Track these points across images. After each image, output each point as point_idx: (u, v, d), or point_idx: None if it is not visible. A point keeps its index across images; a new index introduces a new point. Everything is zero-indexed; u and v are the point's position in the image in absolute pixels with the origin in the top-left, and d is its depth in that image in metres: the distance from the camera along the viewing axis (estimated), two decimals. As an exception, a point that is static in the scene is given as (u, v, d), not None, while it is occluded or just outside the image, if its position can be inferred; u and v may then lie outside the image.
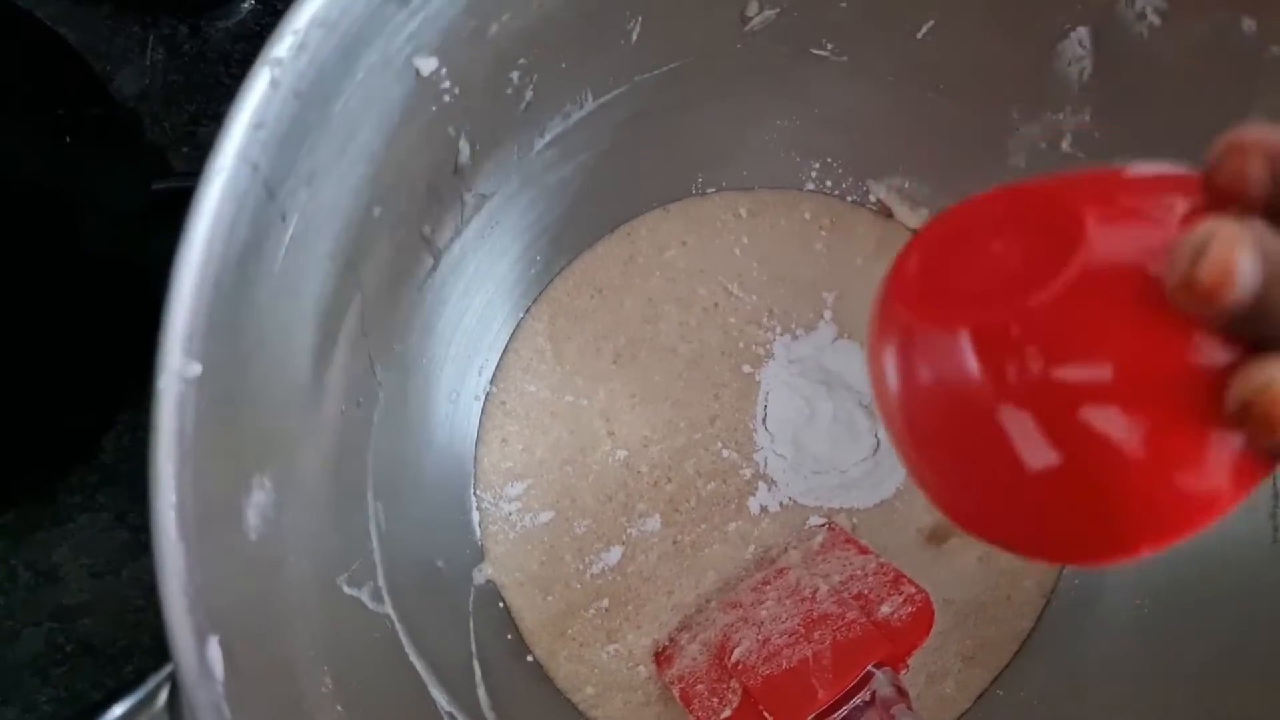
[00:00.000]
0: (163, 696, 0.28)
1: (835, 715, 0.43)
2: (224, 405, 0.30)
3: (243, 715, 0.27)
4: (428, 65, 0.36)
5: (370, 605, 0.41)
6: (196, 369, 0.28)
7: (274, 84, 0.29)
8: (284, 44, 0.29)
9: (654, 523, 0.51)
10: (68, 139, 0.51)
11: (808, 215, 0.55)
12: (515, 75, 0.42)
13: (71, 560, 0.54)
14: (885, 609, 0.45)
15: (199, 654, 0.26)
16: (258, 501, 0.32)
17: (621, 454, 0.52)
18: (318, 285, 0.36)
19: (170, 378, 0.27)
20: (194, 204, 0.28)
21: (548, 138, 0.47)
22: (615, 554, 0.51)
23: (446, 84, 0.38)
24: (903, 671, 0.44)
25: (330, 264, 0.37)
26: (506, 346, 0.53)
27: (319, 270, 0.36)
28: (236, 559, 0.30)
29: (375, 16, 0.31)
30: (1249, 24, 0.37)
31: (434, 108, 0.39)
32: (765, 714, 0.43)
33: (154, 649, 0.54)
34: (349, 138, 0.34)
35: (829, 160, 0.54)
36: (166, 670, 0.28)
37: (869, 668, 0.43)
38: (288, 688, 0.32)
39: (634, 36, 0.44)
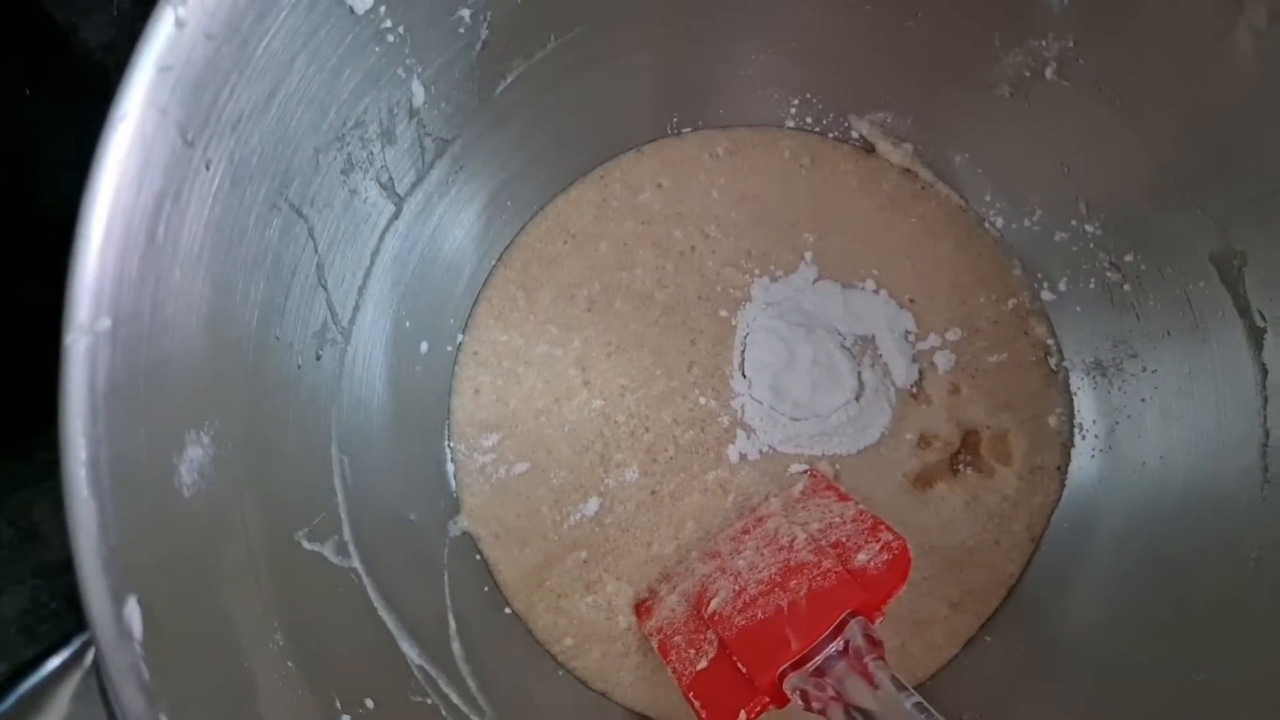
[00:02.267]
0: (89, 657, 0.28)
1: (809, 665, 0.42)
2: (146, 359, 0.29)
3: (164, 675, 0.26)
4: (362, 3, 0.35)
5: (334, 560, 0.40)
6: (106, 323, 0.27)
7: (179, 24, 0.28)
8: (187, -20, 0.27)
9: (632, 473, 0.50)
10: (27, 91, 0.50)
11: (787, 153, 0.53)
12: (466, 14, 0.40)
13: (53, 517, 0.55)
14: (862, 557, 0.44)
15: (114, 614, 0.26)
16: (193, 457, 0.31)
17: (597, 403, 0.51)
18: (260, 234, 0.35)
19: (78, 332, 0.26)
20: (97, 153, 0.27)
21: (510, 79, 0.45)
22: (593, 505, 0.50)
23: (388, 23, 0.37)
24: (878, 620, 0.43)
25: (273, 212, 0.36)
26: (478, 294, 0.52)
27: (259, 219, 0.35)
28: (164, 516, 0.29)
29: (291, -51, 0.30)
30: (1231, -64, 0.35)
31: (377, 48, 0.37)
32: (739, 665, 0.43)
33: (137, 605, 0.54)
34: (278, 80, 0.33)
35: (808, 96, 0.52)
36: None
37: (843, 617, 0.42)
38: (225, 645, 0.31)
39: (593, -32, 0.42)
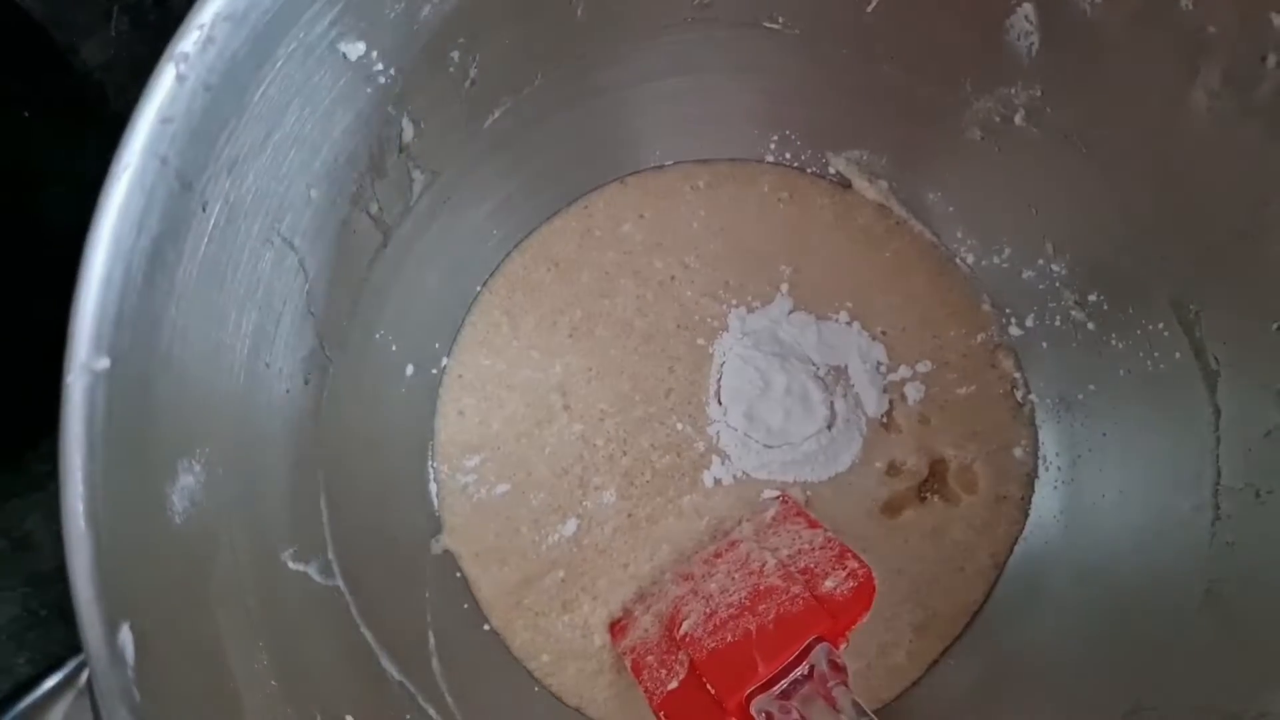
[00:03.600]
0: (84, 676, 0.29)
1: (775, 688, 0.43)
2: (142, 395, 0.30)
3: (155, 699, 0.28)
4: (355, 50, 0.36)
5: (318, 579, 0.42)
6: (105, 363, 0.28)
7: (180, 79, 0.29)
8: (189, 39, 0.29)
9: (609, 496, 0.52)
10: (26, 114, 0.51)
11: (766, 188, 0.55)
12: (455, 54, 0.41)
13: (44, 527, 0.56)
14: (829, 584, 0.46)
15: (108, 641, 0.27)
16: (185, 485, 0.33)
17: (578, 428, 0.52)
18: (251, 268, 0.36)
19: (78, 372, 0.28)
20: (100, 201, 0.28)
21: (497, 114, 0.47)
22: (571, 526, 0.52)
23: (380, 66, 0.38)
24: (842, 646, 0.44)
25: (265, 247, 0.37)
26: (463, 320, 0.53)
27: (251, 254, 0.36)
28: (157, 544, 0.31)
29: (289, 6, 0.31)
30: (1185, 2, 0.36)
31: (369, 89, 0.39)
32: (708, 686, 0.44)
33: (125, 614, 0.55)
34: (273, 124, 0.34)
35: (787, 133, 0.54)
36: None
37: (809, 642, 0.44)
38: (212, 668, 0.32)
39: (579, 11, 0.44)
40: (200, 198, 0.32)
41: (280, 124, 0.35)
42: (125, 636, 0.28)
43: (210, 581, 0.34)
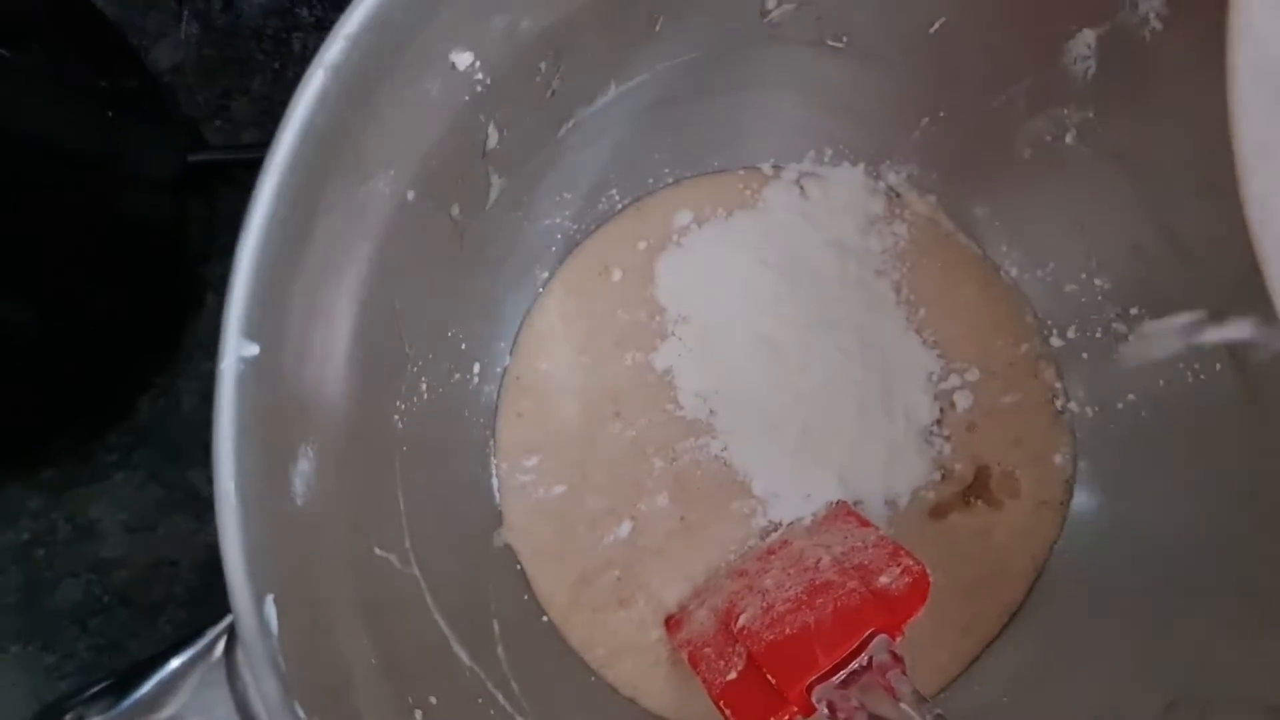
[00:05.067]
0: (219, 649, 0.31)
1: (834, 679, 0.45)
2: (275, 381, 0.32)
3: (295, 667, 0.30)
4: (463, 59, 0.38)
5: (399, 566, 0.43)
6: (254, 349, 0.30)
7: (326, 86, 0.31)
8: (336, 48, 0.31)
9: (663, 500, 0.53)
10: (110, 113, 0.53)
11: (818, 198, 0.57)
12: (543, 65, 0.43)
13: (109, 516, 0.57)
14: (884, 579, 0.47)
15: (257, 612, 0.29)
16: (303, 469, 0.34)
17: (630, 434, 0.54)
18: (355, 266, 0.38)
19: (230, 359, 0.29)
20: (251, 202, 0.30)
21: (571, 123, 0.49)
22: (626, 528, 0.53)
23: (479, 75, 0.40)
24: (899, 639, 0.46)
25: (368, 246, 0.39)
26: (522, 322, 0.55)
27: (357, 252, 0.38)
28: (287, 524, 0.32)
29: (419, 18, 0.33)
30: (1246, 33, 0.38)
31: (466, 97, 0.40)
32: (768, 677, 0.46)
33: (187, 601, 0.56)
34: (388, 129, 0.36)
35: (841, 146, 0.56)
36: (222, 624, 0.30)
37: (866, 635, 0.45)
38: (330, 642, 0.34)
39: (658, 27, 0.46)
40: (329, 200, 0.33)
41: (394, 129, 0.36)
42: (270, 609, 0.29)
43: (324, 563, 0.35)
